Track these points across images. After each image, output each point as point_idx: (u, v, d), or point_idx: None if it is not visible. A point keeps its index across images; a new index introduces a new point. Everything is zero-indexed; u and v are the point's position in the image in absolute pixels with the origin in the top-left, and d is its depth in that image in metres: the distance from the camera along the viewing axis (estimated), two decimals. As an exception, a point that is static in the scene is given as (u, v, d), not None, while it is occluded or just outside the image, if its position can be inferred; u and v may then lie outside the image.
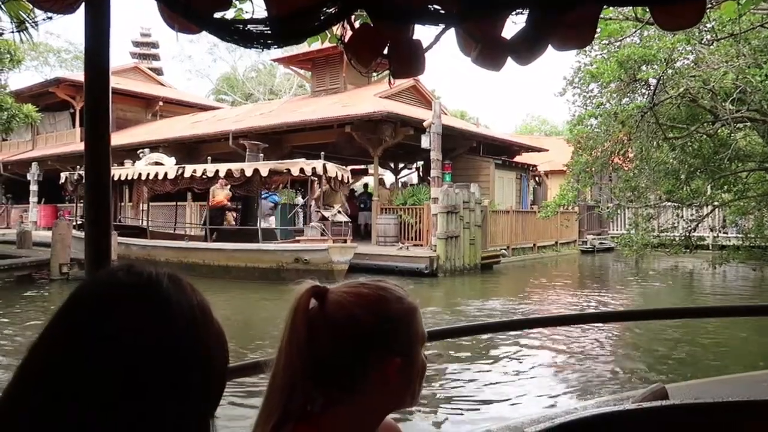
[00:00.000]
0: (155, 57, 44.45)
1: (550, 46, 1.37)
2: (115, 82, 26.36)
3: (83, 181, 13.71)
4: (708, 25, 9.20)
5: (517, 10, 1.33)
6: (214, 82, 45.40)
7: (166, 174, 13.26)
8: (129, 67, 29.43)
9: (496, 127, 36.62)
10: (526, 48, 1.37)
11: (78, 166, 18.80)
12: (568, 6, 1.30)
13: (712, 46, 9.41)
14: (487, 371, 6.39)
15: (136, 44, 43.97)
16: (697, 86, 9.59)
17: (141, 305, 0.58)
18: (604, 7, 1.54)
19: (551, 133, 37.28)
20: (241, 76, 43.39)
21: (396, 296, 0.87)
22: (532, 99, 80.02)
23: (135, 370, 0.55)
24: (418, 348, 0.86)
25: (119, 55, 40.14)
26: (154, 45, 44.48)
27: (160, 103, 27.18)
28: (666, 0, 1.33)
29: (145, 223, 15.70)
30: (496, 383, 5.92)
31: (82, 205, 16.68)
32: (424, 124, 14.80)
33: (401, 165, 24.38)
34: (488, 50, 1.40)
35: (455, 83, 73.47)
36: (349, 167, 26.12)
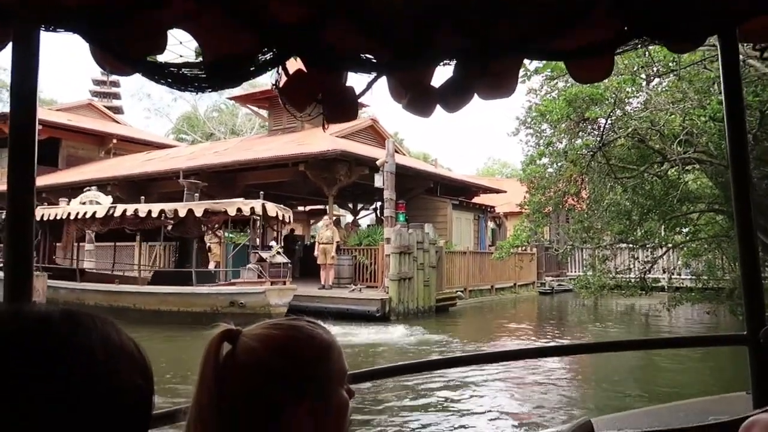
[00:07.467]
0: (116, 96, 43.81)
1: (476, 95, 1.47)
2: (67, 118, 25.60)
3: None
4: (655, 68, 9.25)
5: (445, 61, 1.41)
6: (174, 122, 44.83)
7: (94, 213, 12.59)
8: (82, 104, 28.73)
9: (459, 170, 36.87)
10: (453, 96, 1.47)
11: None
12: (491, 57, 1.40)
13: (658, 86, 9.44)
14: (418, 409, 6.22)
15: (96, 82, 43.34)
16: (645, 127, 9.57)
17: (29, 351, 0.52)
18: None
19: (512, 176, 37.67)
20: (202, 115, 42.96)
21: (308, 335, 0.80)
22: (495, 143, 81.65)
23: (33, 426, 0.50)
24: (336, 387, 0.80)
25: (79, 93, 39.40)
26: (115, 83, 43.89)
27: (114, 141, 26.43)
28: (578, 56, 1.44)
29: (83, 264, 14.96)
30: (428, 425, 5.72)
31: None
32: (378, 162, 14.59)
33: (360, 206, 24.10)
34: (418, 98, 1.50)
35: (420, 126, 74.53)
36: (308, 207, 25.93)
